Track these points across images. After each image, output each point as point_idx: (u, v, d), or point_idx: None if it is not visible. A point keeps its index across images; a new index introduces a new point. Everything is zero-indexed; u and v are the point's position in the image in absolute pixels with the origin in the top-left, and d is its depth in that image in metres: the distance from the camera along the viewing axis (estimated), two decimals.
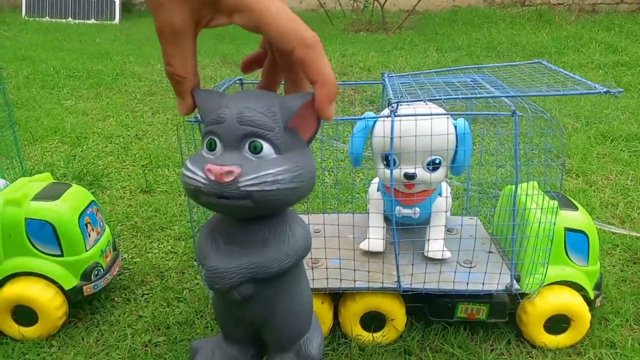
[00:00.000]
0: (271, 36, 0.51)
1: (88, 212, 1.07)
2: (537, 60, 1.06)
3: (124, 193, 1.69)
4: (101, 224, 1.12)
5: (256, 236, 0.61)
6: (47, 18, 6.20)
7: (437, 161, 0.93)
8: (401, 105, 0.83)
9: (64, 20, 6.35)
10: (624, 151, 2.04)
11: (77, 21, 6.35)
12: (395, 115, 0.82)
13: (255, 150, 0.56)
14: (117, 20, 6.36)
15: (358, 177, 1.84)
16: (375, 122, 0.95)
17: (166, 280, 1.22)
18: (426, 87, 0.92)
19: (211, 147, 0.57)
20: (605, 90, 0.78)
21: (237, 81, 1.12)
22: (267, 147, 0.56)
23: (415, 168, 0.92)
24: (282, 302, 0.65)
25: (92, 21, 6.38)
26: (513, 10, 5.18)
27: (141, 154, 2.01)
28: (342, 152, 2.00)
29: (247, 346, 0.72)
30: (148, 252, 1.34)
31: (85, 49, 4.28)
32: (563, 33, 4.22)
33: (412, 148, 0.87)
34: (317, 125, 0.59)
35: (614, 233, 1.41)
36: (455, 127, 0.92)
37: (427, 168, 0.94)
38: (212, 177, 0.54)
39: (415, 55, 3.70)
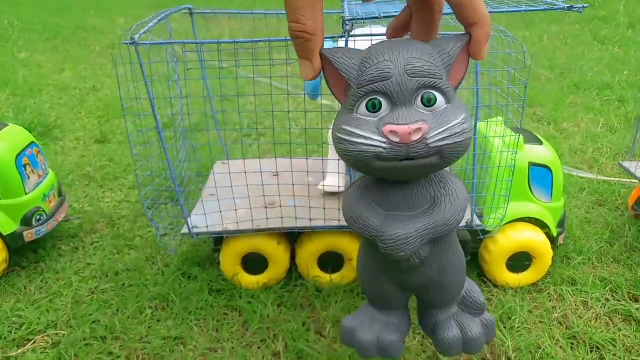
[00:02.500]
0: None
1: (27, 153, 1.00)
2: None
3: (78, 144, 1.61)
4: (43, 167, 1.04)
5: (423, 197, 0.57)
6: None
7: None
8: (355, 23, 0.76)
9: None
10: (596, 100, 2.01)
11: None
12: (350, 35, 0.76)
13: (430, 102, 0.51)
14: None
15: (326, 127, 1.78)
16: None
17: (117, 229, 1.16)
18: (387, 11, 0.85)
19: (375, 108, 0.51)
20: (568, 6, 0.73)
21: (186, 10, 1.04)
22: (440, 98, 0.51)
23: None
24: (447, 258, 0.62)
25: None
26: None
27: (98, 105, 1.91)
28: (310, 103, 1.93)
29: (402, 311, 0.68)
30: (100, 202, 1.28)
31: (45, 2, 4.06)
32: None
33: None
34: (467, 69, 0.55)
35: (582, 177, 1.39)
36: None
37: None
38: (397, 139, 0.49)
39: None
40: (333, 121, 0.57)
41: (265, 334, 0.85)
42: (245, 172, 0.93)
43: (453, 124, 0.51)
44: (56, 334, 0.86)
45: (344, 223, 0.90)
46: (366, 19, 0.75)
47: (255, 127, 1.71)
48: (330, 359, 0.79)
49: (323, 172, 1.03)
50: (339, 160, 0.99)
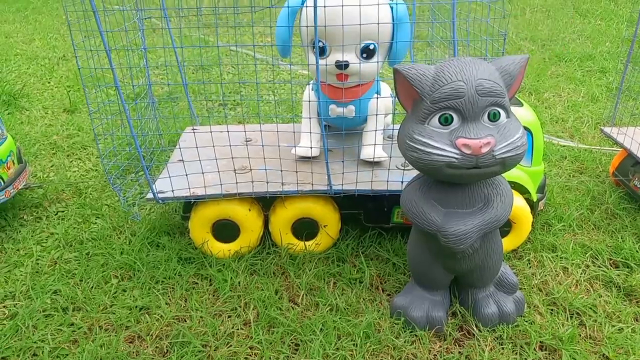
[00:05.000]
0: None
1: None
2: None
3: (45, 113, 1.54)
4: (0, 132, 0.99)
5: (478, 196, 0.67)
6: None
7: (372, 47, 0.83)
8: None
9: None
10: (577, 71, 1.99)
11: None
12: None
13: (495, 118, 0.61)
14: None
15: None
16: (303, 3, 0.84)
17: (84, 198, 1.11)
18: None
19: (447, 122, 0.61)
20: None
21: None
22: (502, 113, 0.61)
23: (346, 54, 0.82)
24: (492, 246, 0.72)
25: None
26: None
27: (68, 75, 1.83)
28: (288, 73, 1.88)
29: (445, 291, 0.78)
30: (67, 171, 1.22)
31: None
32: None
33: (340, 23, 0.77)
34: (520, 84, 0.65)
35: (563, 146, 1.37)
36: (392, 7, 0.82)
37: (362, 57, 0.84)
38: (469, 151, 0.60)
39: None
40: (399, 128, 0.67)
41: (236, 303, 0.81)
42: (212, 135, 0.88)
43: (515, 138, 0.60)
44: (14, 304, 0.81)
45: (318, 187, 0.87)
46: None
47: (226, 97, 1.66)
48: (303, 327, 0.76)
49: (294, 137, 0.99)
50: (310, 122, 0.95)
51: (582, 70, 1.98)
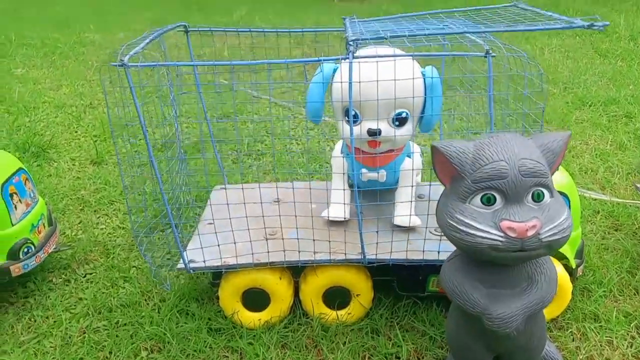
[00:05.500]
0: None
1: (14, 180, 0.94)
2: (512, 4, 0.96)
3: (73, 165, 1.55)
4: (32, 195, 0.99)
5: (521, 275, 0.65)
6: None
7: (404, 115, 0.82)
8: (360, 44, 0.71)
9: None
10: (602, 116, 1.96)
11: None
12: (354, 57, 0.71)
13: (539, 198, 0.60)
14: None
15: (328, 145, 1.73)
16: (335, 71, 0.84)
17: (112, 258, 1.10)
18: (392, 30, 0.80)
19: (489, 202, 0.60)
20: (588, 24, 0.68)
21: (181, 28, 0.99)
22: (546, 193, 0.60)
23: (379, 121, 0.81)
24: (536, 327, 0.70)
25: None
26: None
27: (94, 123, 1.86)
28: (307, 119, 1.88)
29: None
30: (94, 228, 1.22)
31: (43, 17, 4.04)
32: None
33: (374, 96, 0.76)
34: (561, 161, 0.63)
35: (594, 199, 1.34)
36: (423, 74, 0.82)
37: (393, 123, 0.83)
38: (514, 235, 0.58)
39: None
40: (438, 203, 0.65)
41: None
42: (245, 202, 0.87)
43: (561, 220, 0.59)
44: None
45: (351, 256, 0.85)
46: (372, 39, 0.70)
47: (254, 149, 1.66)
48: None
49: (329, 196, 0.97)
50: (343, 188, 0.94)
51: (608, 116, 1.96)
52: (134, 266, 1.08)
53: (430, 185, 0.80)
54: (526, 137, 0.64)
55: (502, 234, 0.59)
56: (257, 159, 1.61)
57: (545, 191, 0.60)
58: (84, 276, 1.05)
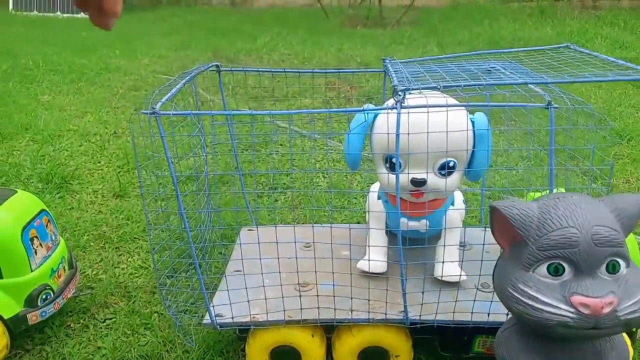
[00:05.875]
0: None
1: (35, 224, 0.90)
2: (565, 44, 0.90)
3: (95, 197, 1.52)
4: (53, 237, 0.95)
5: (589, 350, 0.59)
6: (35, 12, 6.03)
7: (452, 164, 0.76)
8: (410, 93, 0.66)
9: (52, 14, 6.18)
10: None
11: (65, 15, 6.19)
12: (402, 107, 0.65)
13: (614, 270, 0.54)
14: None
15: (355, 179, 1.67)
16: (376, 116, 0.79)
17: (133, 302, 1.05)
18: (439, 75, 0.75)
19: (557, 272, 0.54)
20: None
21: (213, 67, 0.95)
22: (622, 264, 0.54)
23: (427, 173, 0.75)
24: None
25: (82, 15, 6.22)
26: (514, 5, 5.05)
27: (118, 153, 1.84)
28: (337, 152, 1.83)
29: None
30: (115, 267, 1.17)
31: (70, 42, 4.10)
32: (567, 28, 4.08)
33: (422, 148, 0.71)
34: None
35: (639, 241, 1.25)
36: (473, 122, 0.76)
37: (440, 173, 0.77)
38: (587, 312, 0.52)
39: (415, 49, 3.54)
40: (495, 267, 0.59)
41: None
42: (278, 250, 0.81)
43: None
44: None
45: (391, 316, 0.78)
46: (424, 88, 0.65)
47: (280, 183, 1.61)
48: None
49: (366, 245, 0.91)
50: (383, 237, 0.88)
51: None
52: (156, 311, 1.02)
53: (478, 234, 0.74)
54: (595, 198, 0.57)
55: (573, 310, 0.52)
56: (282, 193, 1.56)
57: (621, 261, 0.54)
58: (104, 321, 1.00)
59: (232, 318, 0.78)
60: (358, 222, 1.31)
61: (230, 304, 0.78)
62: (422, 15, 4.80)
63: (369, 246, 0.87)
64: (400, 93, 0.65)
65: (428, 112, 0.68)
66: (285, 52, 3.62)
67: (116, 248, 1.25)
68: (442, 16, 4.68)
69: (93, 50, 3.79)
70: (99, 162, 1.79)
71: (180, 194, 0.73)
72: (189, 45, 3.88)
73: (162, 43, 4.15)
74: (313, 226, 0.94)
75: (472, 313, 0.75)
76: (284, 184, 1.63)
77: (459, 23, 4.42)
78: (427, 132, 0.68)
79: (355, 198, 1.53)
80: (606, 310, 0.52)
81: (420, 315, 0.76)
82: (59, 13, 6.27)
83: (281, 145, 1.91)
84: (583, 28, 4.02)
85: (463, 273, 0.83)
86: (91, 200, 1.50)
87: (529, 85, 0.74)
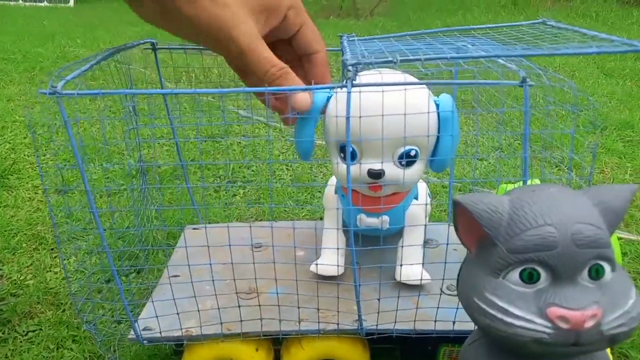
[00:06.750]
0: None
1: None
2: (540, 20, 0.82)
3: (35, 194, 1.39)
4: None
5: None
6: None
7: (413, 153, 0.67)
8: (361, 69, 0.56)
9: (13, 3, 5.94)
10: (617, 141, 1.82)
11: (27, 3, 5.95)
12: (353, 85, 0.55)
13: (598, 275, 0.45)
14: (71, 2, 5.97)
15: (321, 172, 1.57)
16: (329, 98, 0.69)
17: (62, 311, 0.93)
18: (401, 52, 0.65)
19: (532, 279, 0.45)
20: None
21: (147, 45, 0.84)
22: (607, 268, 0.45)
23: (382, 162, 0.66)
24: None
25: (44, 4, 5.98)
26: None
27: (66, 145, 1.70)
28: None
29: None
30: (47, 271, 1.05)
31: (29, 31, 3.91)
32: (540, 19, 4.06)
33: (377, 134, 0.61)
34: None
35: (620, 238, 1.18)
36: (437, 105, 0.66)
37: (399, 163, 0.67)
38: (566, 326, 0.43)
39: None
40: (459, 272, 0.50)
41: None
42: (213, 240, 0.71)
43: (628, 305, 0.44)
44: None
45: (345, 326, 0.68)
46: (377, 63, 0.55)
47: (240, 175, 1.51)
48: None
49: (319, 245, 0.81)
50: (337, 231, 0.78)
51: (623, 141, 1.82)
52: (86, 321, 0.91)
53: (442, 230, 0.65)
54: (577, 190, 0.48)
55: (550, 325, 0.43)
56: (242, 187, 1.45)
57: (606, 265, 0.44)
58: (25, 334, 0.88)
59: (160, 333, 0.68)
60: (321, 219, 1.21)
61: (157, 316, 0.67)
62: (395, 6, 4.74)
63: (322, 247, 0.77)
64: (350, 68, 0.55)
65: (383, 91, 0.58)
66: None
67: (51, 250, 1.13)
68: (416, 7, 4.62)
69: (52, 38, 3.61)
70: (44, 156, 1.65)
71: (91, 190, 0.62)
72: (154, 35, 3.72)
73: (127, 32, 3.98)
74: (272, 225, 0.84)
75: (435, 321, 0.66)
76: (244, 177, 1.52)
77: (433, 14, 4.36)
78: (382, 115, 0.58)
79: (319, 191, 1.44)
80: (589, 324, 0.43)
81: (376, 325, 0.67)
82: (20, 2, 6.02)
83: (244, 136, 1.80)
84: (556, 19, 4.01)
85: (426, 275, 0.74)
86: (29, 197, 1.37)
87: (501, 61, 0.65)
